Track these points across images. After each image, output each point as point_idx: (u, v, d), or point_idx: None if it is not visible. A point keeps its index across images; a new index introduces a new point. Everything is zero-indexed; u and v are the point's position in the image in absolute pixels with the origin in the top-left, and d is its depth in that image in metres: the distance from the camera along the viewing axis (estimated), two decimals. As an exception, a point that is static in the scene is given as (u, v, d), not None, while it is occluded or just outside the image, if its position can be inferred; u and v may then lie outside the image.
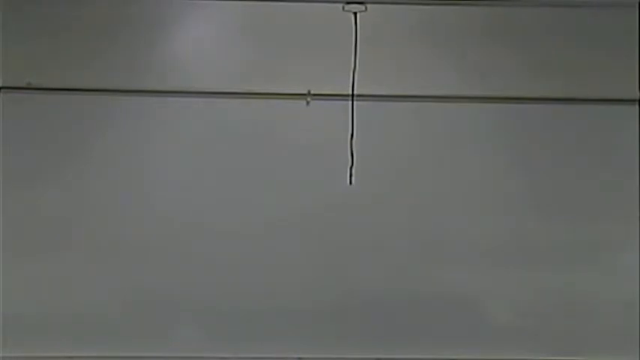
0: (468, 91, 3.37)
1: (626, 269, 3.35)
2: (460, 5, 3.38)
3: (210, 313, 3.30)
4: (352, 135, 3.31)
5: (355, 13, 3.31)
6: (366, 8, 3.31)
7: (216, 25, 3.41)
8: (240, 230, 3.32)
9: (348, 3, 3.31)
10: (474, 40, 3.40)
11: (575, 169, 3.39)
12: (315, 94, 3.35)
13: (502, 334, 3.33)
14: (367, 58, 3.29)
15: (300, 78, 3.34)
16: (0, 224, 3.25)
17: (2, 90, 3.30)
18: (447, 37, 3.40)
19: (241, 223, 3.32)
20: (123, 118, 3.35)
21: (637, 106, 3.38)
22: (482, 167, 3.38)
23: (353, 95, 3.31)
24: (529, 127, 3.39)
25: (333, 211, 3.33)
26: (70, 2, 3.34)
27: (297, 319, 3.30)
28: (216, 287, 3.30)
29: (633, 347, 3.30)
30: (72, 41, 3.34)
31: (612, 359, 3.30)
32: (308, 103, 3.35)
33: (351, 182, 3.30)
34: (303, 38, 3.37)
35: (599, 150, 3.40)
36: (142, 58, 3.36)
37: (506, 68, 3.39)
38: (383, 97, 3.35)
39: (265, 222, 3.32)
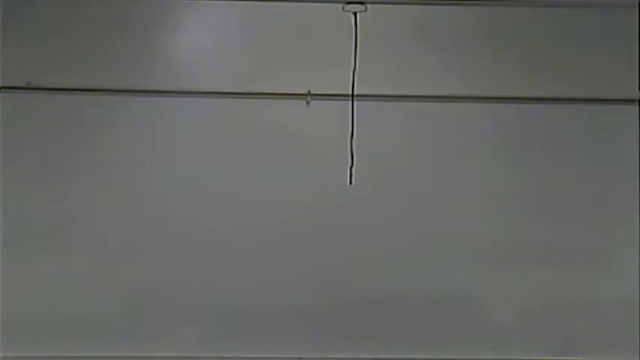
0: (468, 91, 3.37)
1: (626, 269, 3.35)
2: (460, 5, 3.38)
3: (210, 313, 3.30)
4: (352, 135, 3.31)
5: (355, 13, 3.31)
6: (366, 8, 3.31)
7: (216, 25, 3.41)
8: (240, 230, 3.32)
9: (348, 3, 3.31)
10: (474, 40, 3.40)
11: (575, 169, 3.39)
12: (315, 94, 3.35)
13: (502, 334, 3.33)
14: (367, 58, 3.29)
15: (300, 78, 3.34)
16: (0, 224, 3.25)
17: (2, 90, 3.30)
18: (447, 37, 3.40)
19: (241, 223, 3.32)
20: (123, 118, 3.35)
21: (637, 106, 3.38)
22: (482, 167, 3.38)
23: (353, 95, 3.31)
24: (529, 127, 3.39)
25: (333, 211, 3.33)
26: (69, 2, 3.34)
27: (297, 319, 3.30)
28: (216, 287, 3.30)
29: (633, 347, 3.30)
30: (72, 41, 3.34)
31: (612, 359, 3.30)
32: (308, 103, 3.35)
33: (351, 182, 3.29)
34: (303, 38, 3.37)
35: (599, 150, 3.40)
36: (142, 58, 3.36)
37: (507, 68, 3.39)
38: (383, 97, 3.35)
39: (265, 222, 3.32)
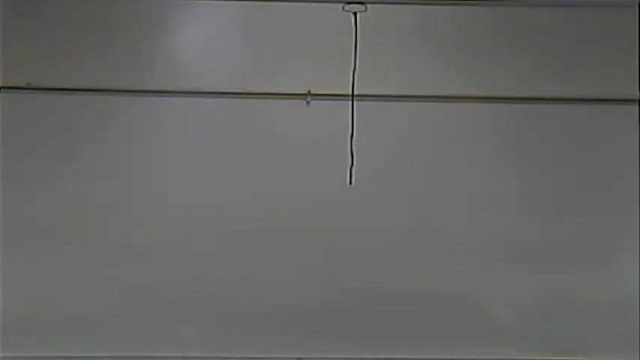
0: (468, 91, 3.37)
1: (626, 269, 3.35)
2: (460, 5, 3.38)
3: (210, 313, 3.30)
4: (352, 135, 3.31)
5: (355, 13, 3.31)
6: (366, 8, 3.30)
7: (216, 25, 3.41)
8: (240, 230, 3.32)
9: (348, 3, 3.31)
10: (474, 40, 3.40)
11: (575, 169, 3.39)
12: (315, 94, 3.35)
13: (502, 334, 3.33)
14: (367, 58, 3.29)
15: (300, 78, 3.34)
16: (0, 224, 3.25)
17: (2, 90, 3.31)
18: (447, 37, 3.40)
19: (241, 223, 3.32)
20: (123, 118, 3.35)
21: (637, 106, 3.38)
22: (482, 167, 3.38)
23: (353, 95, 3.31)
24: (529, 127, 3.39)
25: (333, 211, 3.33)
26: (69, 2, 3.34)
27: (296, 319, 3.30)
28: (215, 287, 3.30)
29: (633, 347, 3.30)
30: (72, 41, 3.34)
31: (612, 359, 3.30)
32: (308, 103, 3.35)
33: (351, 182, 3.30)
34: (303, 38, 3.37)
35: (599, 150, 3.40)
36: (142, 58, 3.36)
37: (507, 68, 3.39)
38: (383, 97, 3.35)
39: (265, 222, 3.32)
